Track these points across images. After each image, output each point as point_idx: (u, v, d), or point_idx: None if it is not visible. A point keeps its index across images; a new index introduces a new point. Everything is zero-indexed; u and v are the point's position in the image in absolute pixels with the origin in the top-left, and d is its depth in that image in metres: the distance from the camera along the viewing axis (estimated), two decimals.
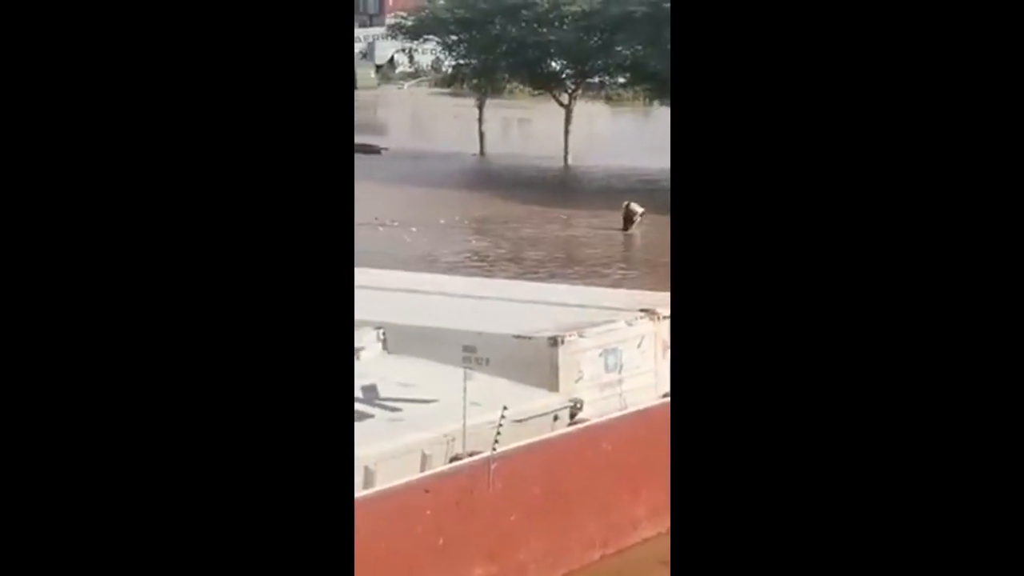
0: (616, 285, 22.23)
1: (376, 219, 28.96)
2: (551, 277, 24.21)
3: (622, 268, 26.77)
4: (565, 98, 43.53)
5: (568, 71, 43.81)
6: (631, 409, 12.82)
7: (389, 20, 60.30)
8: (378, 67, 66.57)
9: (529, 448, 11.36)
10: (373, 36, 66.34)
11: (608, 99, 52.65)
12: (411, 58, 63.85)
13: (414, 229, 29.67)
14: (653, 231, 28.63)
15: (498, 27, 43.32)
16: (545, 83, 44.68)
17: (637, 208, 30.31)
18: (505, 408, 11.04)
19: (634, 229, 30.21)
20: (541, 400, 12.43)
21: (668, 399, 13.25)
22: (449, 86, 51.54)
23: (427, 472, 10.91)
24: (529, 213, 32.69)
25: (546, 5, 42.44)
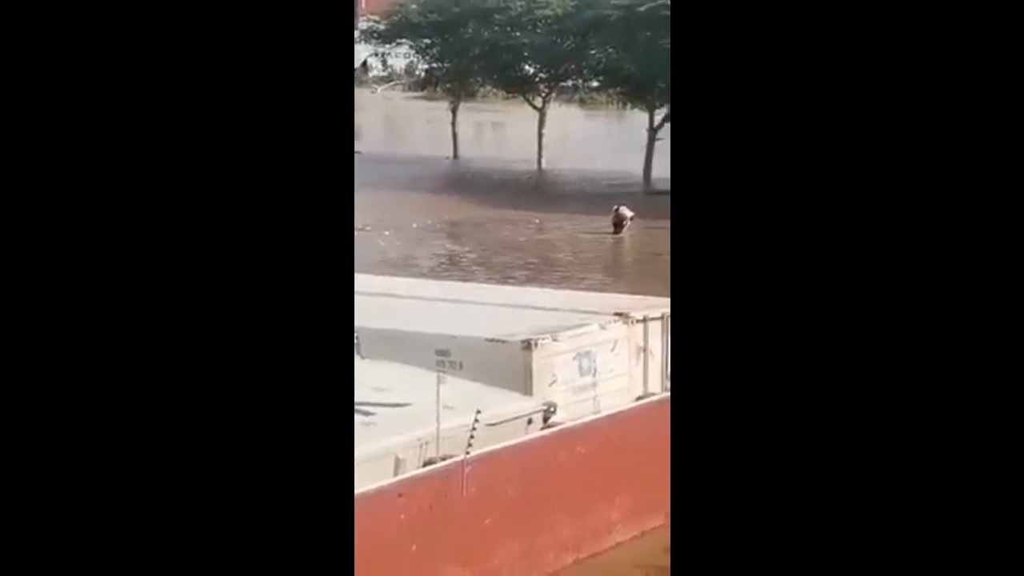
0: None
1: None
2: (528, 282, 24.18)
3: (598, 273, 26.77)
4: (539, 101, 43.59)
5: (541, 74, 43.91)
6: (605, 412, 12.80)
7: (361, 24, 60.26)
8: None
9: (503, 452, 11.33)
10: None
11: (582, 102, 52.79)
12: (384, 62, 63.88)
13: (387, 233, 29.63)
14: (643, 235, 28.80)
15: (471, 31, 43.39)
16: (518, 86, 44.75)
17: (627, 212, 30.53)
18: (479, 412, 11.01)
19: (624, 233, 30.35)
20: (515, 404, 12.39)
21: (642, 402, 13.28)
22: (422, 90, 51.57)
23: (400, 476, 10.88)
24: (502, 217, 32.67)
25: (519, 9, 42.47)
